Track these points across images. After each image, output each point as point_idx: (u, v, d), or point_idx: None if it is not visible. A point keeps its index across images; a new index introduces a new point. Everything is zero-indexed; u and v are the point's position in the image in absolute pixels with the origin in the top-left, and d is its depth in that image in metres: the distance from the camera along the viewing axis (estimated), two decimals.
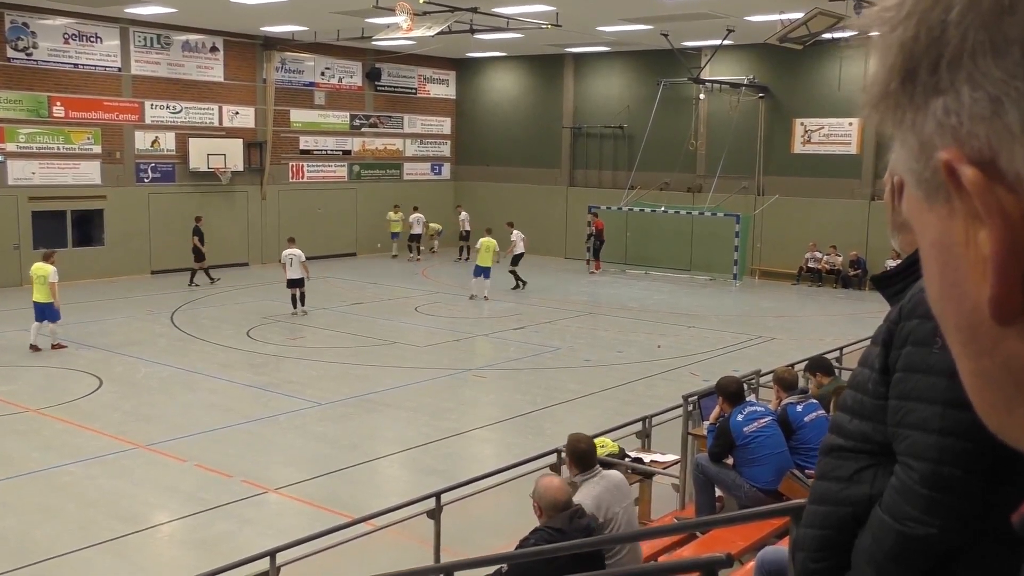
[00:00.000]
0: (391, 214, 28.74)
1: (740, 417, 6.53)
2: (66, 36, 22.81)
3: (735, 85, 26.41)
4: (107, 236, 23.97)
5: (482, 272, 20.71)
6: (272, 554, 6.01)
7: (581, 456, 5.32)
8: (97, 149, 23.63)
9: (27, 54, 22.21)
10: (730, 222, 25.39)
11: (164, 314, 19.25)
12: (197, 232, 22.86)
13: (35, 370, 14.54)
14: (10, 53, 21.94)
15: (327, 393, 13.40)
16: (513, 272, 22.88)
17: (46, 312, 15.59)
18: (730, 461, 6.51)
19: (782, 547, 4.60)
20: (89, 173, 23.57)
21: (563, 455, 5.82)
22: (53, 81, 22.69)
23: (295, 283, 18.99)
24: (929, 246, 0.55)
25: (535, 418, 12.46)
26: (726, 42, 24.18)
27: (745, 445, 6.38)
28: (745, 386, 7.41)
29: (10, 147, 22.12)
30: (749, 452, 6.35)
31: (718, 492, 6.82)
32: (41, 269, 15.66)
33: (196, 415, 12.31)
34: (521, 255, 23.21)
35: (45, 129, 22.66)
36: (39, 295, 15.53)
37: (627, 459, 7.79)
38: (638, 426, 8.83)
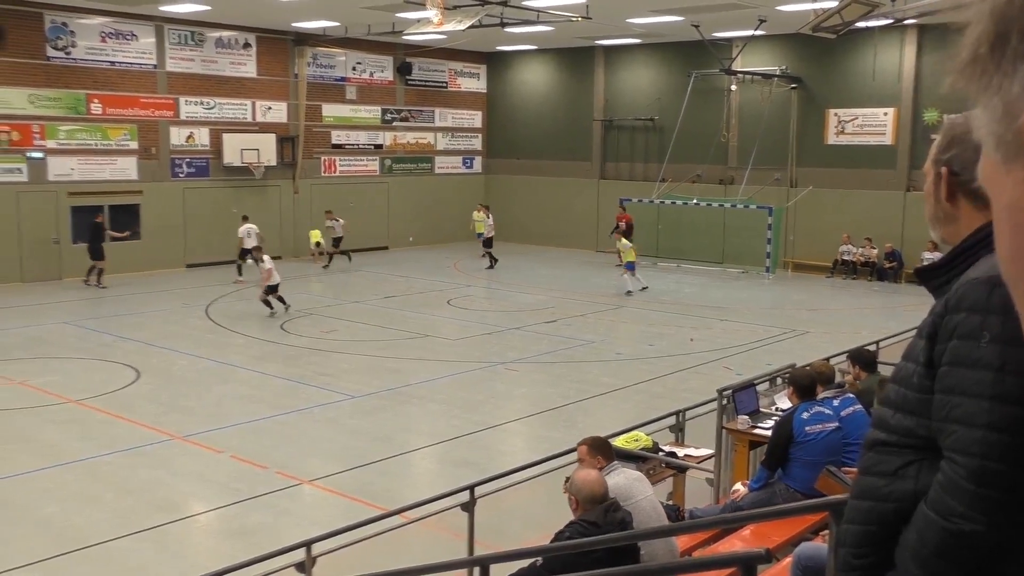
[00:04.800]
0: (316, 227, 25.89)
1: (806, 415, 6.25)
2: (103, 35, 23.12)
3: (767, 76, 26.18)
4: (143, 230, 24.29)
5: (631, 267, 22.02)
6: (308, 544, 6.08)
7: (599, 449, 5.37)
8: (134, 145, 23.94)
9: (66, 53, 22.53)
10: (762, 214, 25.19)
11: (199, 307, 19.48)
12: (100, 228, 21.98)
13: (75, 362, 14.78)
14: (50, 52, 22.28)
15: (360, 386, 13.50)
16: (488, 253, 25.51)
17: None
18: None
19: (819, 543, 4.57)
20: (126, 168, 23.89)
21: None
22: (91, 79, 23.01)
23: (248, 252, 20.82)
24: (1003, 209, 0.58)
25: (567, 411, 12.46)
26: (758, 32, 23.96)
27: (801, 444, 6.14)
28: (819, 380, 6.79)
29: (50, 144, 22.48)
30: (801, 451, 6.13)
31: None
32: None
33: (231, 407, 12.46)
34: (490, 238, 25.78)
35: (83, 126, 22.99)
36: None
37: (660, 453, 7.77)
38: (671, 420, 8.81)
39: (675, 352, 15.84)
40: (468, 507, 6.71)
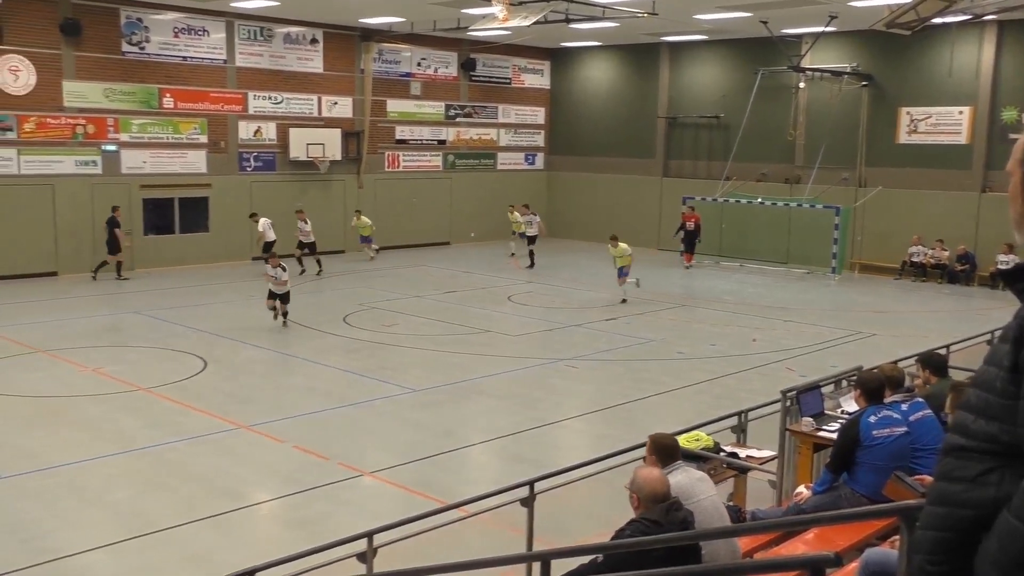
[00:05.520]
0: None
1: (873, 419, 6.07)
2: (176, 30, 23.67)
3: (837, 73, 25.67)
4: (211, 222, 24.82)
5: (623, 273, 20.06)
6: (369, 535, 6.14)
7: (664, 449, 5.29)
8: (203, 139, 24.48)
9: (140, 48, 23.13)
10: (829, 214, 24.72)
11: (263, 299, 19.78)
12: (114, 223, 21.81)
13: (145, 351, 15.17)
14: (125, 47, 22.89)
15: (421, 380, 13.60)
16: (531, 251, 25.14)
17: None
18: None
19: (887, 549, 4.47)
20: (195, 162, 24.44)
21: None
22: (164, 73, 23.58)
23: (272, 245, 21.41)
24: None
25: (627, 409, 12.40)
26: (828, 29, 23.51)
27: (868, 448, 5.98)
28: (887, 384, 6.47)
29: (124, 137, 23.10)
30: (868, 455, 5.97)
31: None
32: None
33: (294, 398, 12.66)
34: (535, 236, 25.39)
35: (156, 120, 23.59)
36: None
37: (722, 453, 7.68)
38: (733, 420, 8.70)
39: (737, 352, 15.65)
40: (527, 502, 6.71)
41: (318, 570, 6.18)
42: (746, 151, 27.10)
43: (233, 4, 23.03)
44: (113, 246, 21.79)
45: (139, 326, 17.12)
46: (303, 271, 22.94)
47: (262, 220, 22.95)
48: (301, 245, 23.40)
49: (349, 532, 6.51)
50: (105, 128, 22.80)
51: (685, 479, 5.03)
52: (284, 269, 17.06)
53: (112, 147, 22.96)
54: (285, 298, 17.07)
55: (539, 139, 32.89)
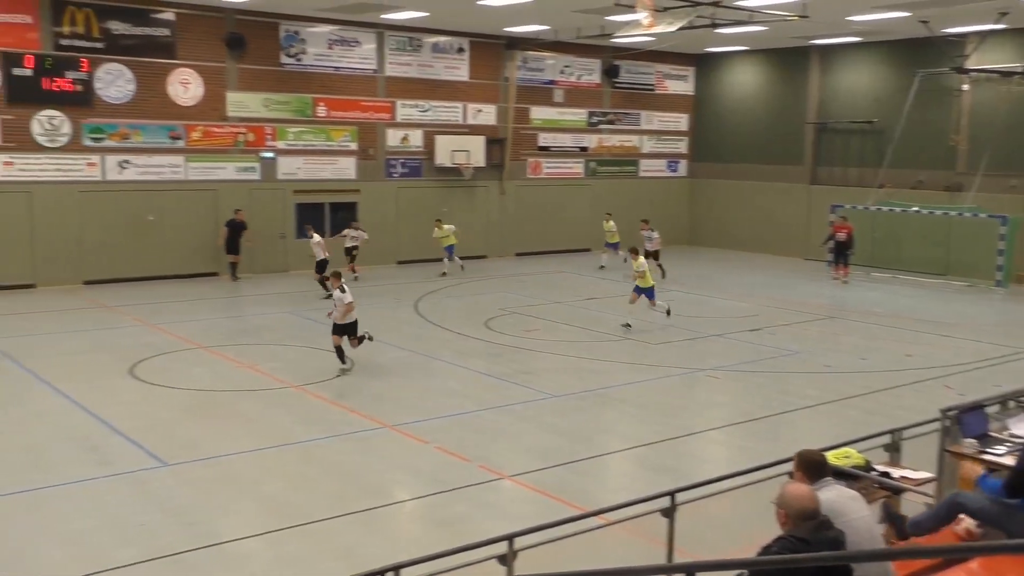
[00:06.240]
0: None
1: None
2: (330, 42, 24.67)
3: (1006, 74, 24.17)
4: (360, 227, 25.65)
5: (647, 294, 18.02)
6: (510, 538, 6.18)
7: (812, 464, 5.11)
8: (353, 146, 25.40)
9: (297, 59, 24.23)
10: (994, 224, 23.31)
11: (409, 302, 20.35)
12: (231, 225, 22.62)
13: (295, 350, 15.85)
14: (283, 59, 24.03)
15: (560, 385, 13.64)
16: (660, 265, 24.14)
17: None
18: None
19: None
20: (346, 168, 25.38)
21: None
22: (318, 83, 24.61)
23: (325, 265, 20.63)
24: None
25: (770, 423, 12.06)
26: (997, 27, 22.19)
27: None
28: None
29: (281, 145, 24.24)
30: None
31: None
32: None
33: (436, 400, 12.93)
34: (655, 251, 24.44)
35: (309, 128, 24.64)
36: None
37: (873, 473, 7.35)
38: (886, 438, 8.30)
39: (889, 367, 14.96)
40: (668, 513, 6.61)
41: (459, 570, 6.27)
42: (901, 157, 25.91)
43: (384, 16, 23.79)
44: (231, 246, 22.81)
45: (291, 325, 17.90)
46: (444, 273, 22.54)
47: (354, 232, 22.81)
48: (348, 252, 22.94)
49: (489, 534, 6.58)
50: (264, 136, 23.98)
51: (836, 497, 4.85)
52: (344, 291, 14.13)
53: (270, 154, 24.13)
54: (352, 330, 14.19)
55: (682, 146, 32.46)
